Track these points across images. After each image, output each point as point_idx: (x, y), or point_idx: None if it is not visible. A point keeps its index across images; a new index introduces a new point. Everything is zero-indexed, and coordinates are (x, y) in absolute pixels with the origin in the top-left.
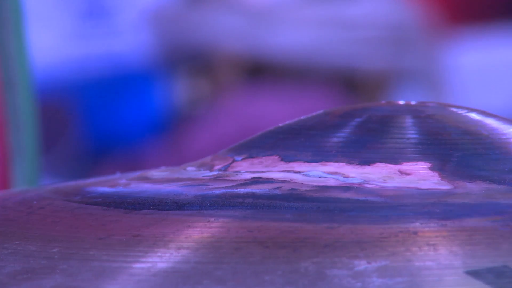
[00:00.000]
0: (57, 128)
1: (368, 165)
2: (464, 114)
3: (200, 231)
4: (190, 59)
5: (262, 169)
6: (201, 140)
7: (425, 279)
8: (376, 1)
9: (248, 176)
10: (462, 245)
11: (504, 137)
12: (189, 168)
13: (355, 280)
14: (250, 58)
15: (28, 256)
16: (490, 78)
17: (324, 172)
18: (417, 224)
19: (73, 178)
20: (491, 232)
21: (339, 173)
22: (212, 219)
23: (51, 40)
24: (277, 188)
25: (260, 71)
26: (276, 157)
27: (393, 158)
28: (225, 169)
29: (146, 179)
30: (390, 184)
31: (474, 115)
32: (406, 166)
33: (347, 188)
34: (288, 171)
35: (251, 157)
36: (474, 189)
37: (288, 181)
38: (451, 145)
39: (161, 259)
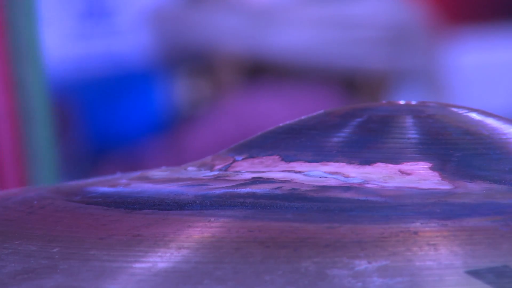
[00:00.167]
0: (57, 128)
1: (369, 165)
2: (464, 114)
3: (200, 231)
4: (190, 59)
5: (262, 169)
6: (201, 140)
7: (425, 279)
8: (376, 1)
9: (249, 176)
10: (463, 245)
11: (504, 137)
12: (190, 168)
13: (356, 280)
14: (251, 58)
15: (28, 256)
16: (491, 78)
17: (325, 172)
18: (418, 224)
19: (73, 178)
20: (491, 232)
21: (340, 173)
22: (212, 219)
23: (51, 40)
24: (278, 188)
25: (261, 71)
26: (277, 157)
27: (393, 158)
28: (226, 169)
29: (147, 179)
30: (391, 184)
31: (474, 115)
32: (406, 166)
33: (348, 188)
34: (289, 171)
35: (251, 157)
36: (474, 189)
37: (289, 181)
38: (452, 145)
39: (161, 259)
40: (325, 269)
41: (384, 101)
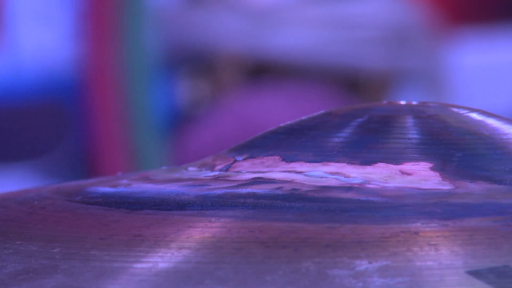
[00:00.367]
0: (58, 128)
1: (370, 165)
2: (465, 114)
3: (201, 231)
4: (191, 59)
5: (263, 169)
6: (202, 140)
7: (426, 279)
8: (378, 1)
9: (249, 176)
10: (463, 245)
11: (505, 137)
12: (191, 168)
13: (356, 280)
14: (252, 59)
15: (29, 256)
16: (492, 78)
17: (325, 172)
18: (418, 224)
19: (74, 178)
20: (492, 232)
21: (340, 173)
22: (213, 219)
23: (51, 40)
24: (278, 188)
25: (262, 72)
26: (277, 157)
27: (394, 158)
28: (227, 169)
29: (148, 179)
30: (392, 184)
31: (475, 115)
32: (407, 166)
33: (348, 188)
34: (289, 171)
35: (252, 157)
36: (475, 189)
37: (290, 181)
38: (453, 145)
39: (162, 259)
40: (326, 269)
41: (385, 101)
